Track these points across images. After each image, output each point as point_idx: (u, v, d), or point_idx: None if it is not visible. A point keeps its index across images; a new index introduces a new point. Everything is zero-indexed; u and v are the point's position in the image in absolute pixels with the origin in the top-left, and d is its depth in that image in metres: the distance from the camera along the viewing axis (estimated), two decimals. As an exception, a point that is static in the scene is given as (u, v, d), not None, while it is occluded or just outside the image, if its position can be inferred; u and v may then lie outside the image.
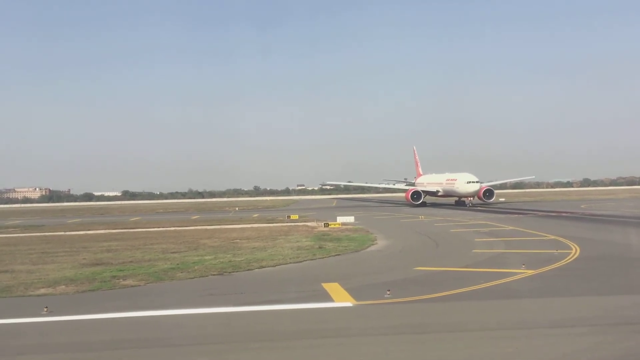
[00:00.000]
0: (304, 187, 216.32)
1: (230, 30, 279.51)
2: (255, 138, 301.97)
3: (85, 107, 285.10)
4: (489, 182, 78.42)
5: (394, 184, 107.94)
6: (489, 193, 70.54)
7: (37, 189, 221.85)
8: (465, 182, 68.01)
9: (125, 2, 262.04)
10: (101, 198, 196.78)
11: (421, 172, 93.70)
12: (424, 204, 72.91)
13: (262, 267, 20.47)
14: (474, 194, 68.01)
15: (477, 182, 67.91)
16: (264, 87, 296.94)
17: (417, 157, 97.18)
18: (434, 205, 74.19)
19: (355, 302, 13.82)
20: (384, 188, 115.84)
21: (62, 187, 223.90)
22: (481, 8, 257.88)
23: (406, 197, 76.10)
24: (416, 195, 73.85)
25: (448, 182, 73.04)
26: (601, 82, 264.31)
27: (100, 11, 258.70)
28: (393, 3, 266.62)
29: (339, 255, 23.61)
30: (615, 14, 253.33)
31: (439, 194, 76.10)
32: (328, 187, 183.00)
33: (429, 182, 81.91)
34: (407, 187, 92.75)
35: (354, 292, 14.87)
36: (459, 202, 72.97)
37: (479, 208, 63.18)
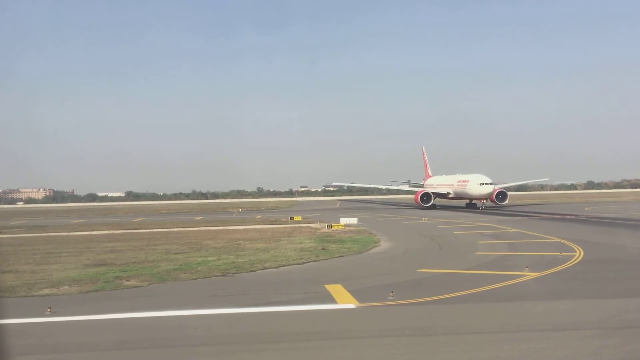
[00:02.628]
0: (307, 189, 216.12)
1: (234, 33, 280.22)
2: (259, 139, 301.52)
3: (89, 108, 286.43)
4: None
5: (397, 186, 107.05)
6: (502, 195, 67.92)
7: (41, 189, 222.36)
8: (477, 184, 65.06)
9: (129, 7, 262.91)
10: (105, 199, 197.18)
11: (430, 174, 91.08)
12: (433, 207, 70.85)
13: (265, 268, 20.47)
14: (487, 197, 65.36)
15: (490, 183, 64.89)
16: (267, 88, 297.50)
17: (426, 158, 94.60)
18: (444, 207, 73.23)
19: (358, 304, 13.81)
20: (388, 190, 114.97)
21: (66, 188, 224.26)
22: (488, 10, 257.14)
23: (415, 199, 73.57)
24: (426, 197, 71.20)
25: (459, 183, 70.50)
26: (606, 84, 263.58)
27: (102, 15, 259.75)
28: (397, 5, 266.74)
29: (342, 256, 23.59)
30: (622, 18, 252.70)
31: (450, 196, 73.50)
32: (331, 189, 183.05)
33: (439, 183, 79.28)
34: (411, 189, 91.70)
35: (356, 294, 14.86)
36: (470, 204, 70.62)
37: (483, 211, 62.37)
